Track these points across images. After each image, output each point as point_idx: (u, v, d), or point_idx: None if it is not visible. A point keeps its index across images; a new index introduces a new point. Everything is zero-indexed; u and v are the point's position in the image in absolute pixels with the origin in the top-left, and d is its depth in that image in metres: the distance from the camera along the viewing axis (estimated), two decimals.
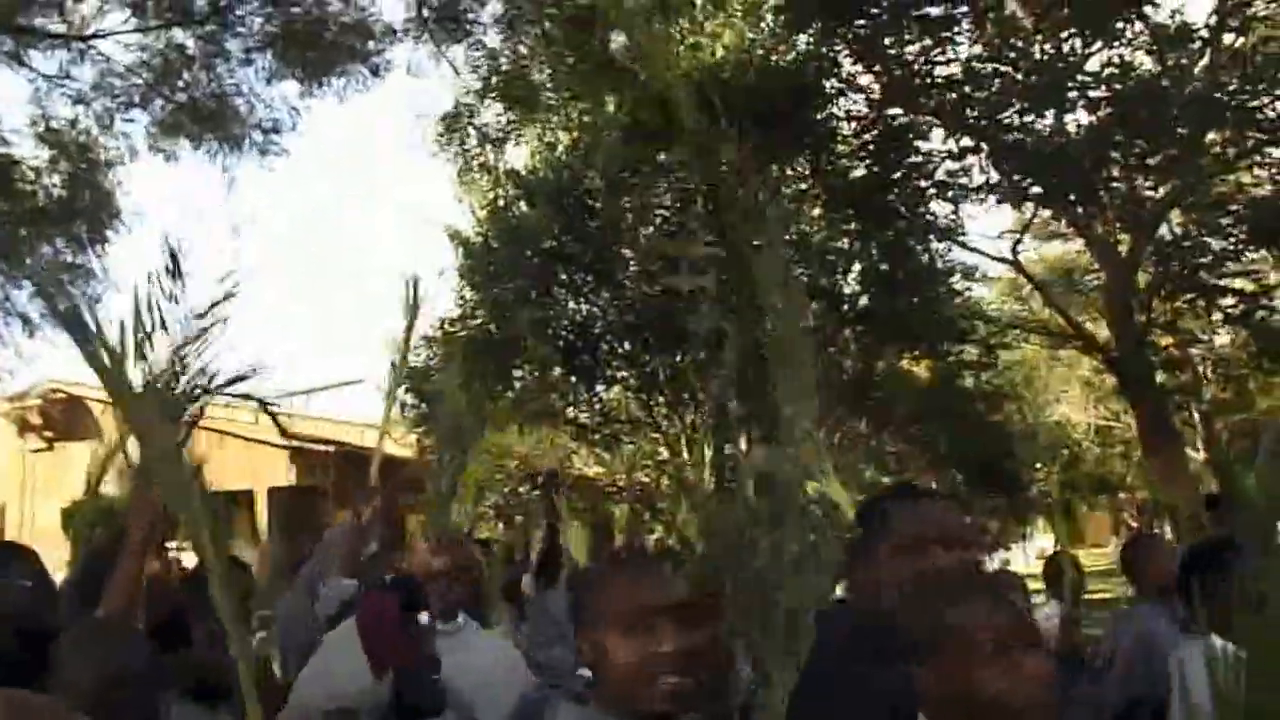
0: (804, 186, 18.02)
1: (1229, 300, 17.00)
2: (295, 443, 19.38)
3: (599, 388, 19.69)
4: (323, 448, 20.95)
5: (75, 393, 22.63)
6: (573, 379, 18.72)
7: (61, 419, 22.56)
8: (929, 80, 16.78)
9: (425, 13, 15.72)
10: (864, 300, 18.93)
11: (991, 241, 21.69)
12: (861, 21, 16.35)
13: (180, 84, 16.06)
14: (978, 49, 16.74)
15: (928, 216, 18.19)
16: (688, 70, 16.94)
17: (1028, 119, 16.39)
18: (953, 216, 18.32)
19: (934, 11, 16.24)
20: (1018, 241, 18.92)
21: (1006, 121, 16.42)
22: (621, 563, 2.68)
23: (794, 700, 2.86)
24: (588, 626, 2.37)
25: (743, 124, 16.17)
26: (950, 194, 17.56)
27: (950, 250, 19.06)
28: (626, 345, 18.79)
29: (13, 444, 22.54)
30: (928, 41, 16.50)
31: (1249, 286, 17.07)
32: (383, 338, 19.47)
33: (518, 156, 19.01)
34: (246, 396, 3.58)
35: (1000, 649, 2.11)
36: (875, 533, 2.85)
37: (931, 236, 18.63)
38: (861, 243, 18.78)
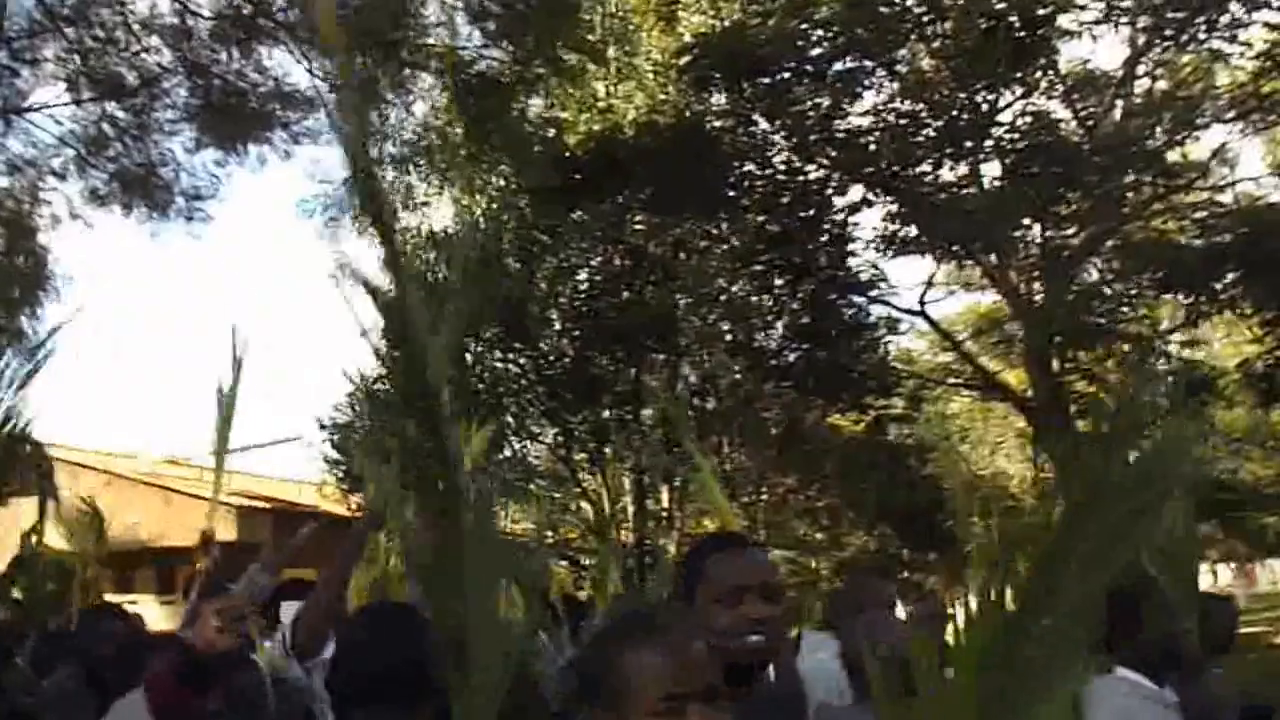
0: (719, 244, 18.01)
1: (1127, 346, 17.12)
2: (235, 500, 19.15)
3: (518, 443, 19.62)
4: (261, 504, 20.79)
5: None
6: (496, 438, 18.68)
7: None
8: (838, 133, 16.91)
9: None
10: (787, 355, 18.93)
11: (913, 292, 21.79)
12: (767, 79, 16.48)
13: (110, 154, 16.13)
14: (887, 100, 16.93)
15: (845, 270, 18.26)
16: (600, 132, 17.05)
17: (938, 170, 16.56)
18: (873, 269, 18.43)
19: (842, 65, 16.42)
20: (924, 293, 18.99)
21: (916, 173, 16.58)
22: (651, 631, 2.23)
23: None
24: (611, 700, 2.17)
25: (656, 184, 16.31)
26: (860, 247, 17.72)
27: (870, 304, 19.02)
28: (543, 402, 18.81)
29: None
30: (836, 96, 16.64)
31: (1145, 331, 17.25)
32: (312, 393, 19.30)
33: (438, 219, 19.08)
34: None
35: (672, 703, 2.06)
36: (695, 580, 2.85)
37: (850, 291, 18.63)
38: (781, 298, 18.80)
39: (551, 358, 18.61)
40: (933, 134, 16.39)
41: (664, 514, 19.26)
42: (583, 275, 18.86)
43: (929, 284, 18.98)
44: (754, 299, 19.14)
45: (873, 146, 16.76)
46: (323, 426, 18.88)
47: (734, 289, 19.03)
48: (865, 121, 17.01)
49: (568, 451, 19.62)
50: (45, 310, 16.61)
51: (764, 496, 22.35)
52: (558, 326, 18.49)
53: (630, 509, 18.74)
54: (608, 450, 18.41)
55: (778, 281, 18.46)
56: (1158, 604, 3.89)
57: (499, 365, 18.80)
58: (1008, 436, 30.97)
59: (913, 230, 17.14)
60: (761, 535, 22.75)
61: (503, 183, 17.79)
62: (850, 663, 3.80)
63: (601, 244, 18.55)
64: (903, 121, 16.70)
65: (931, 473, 22.25)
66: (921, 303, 19.03)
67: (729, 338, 19.41)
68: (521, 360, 18.83)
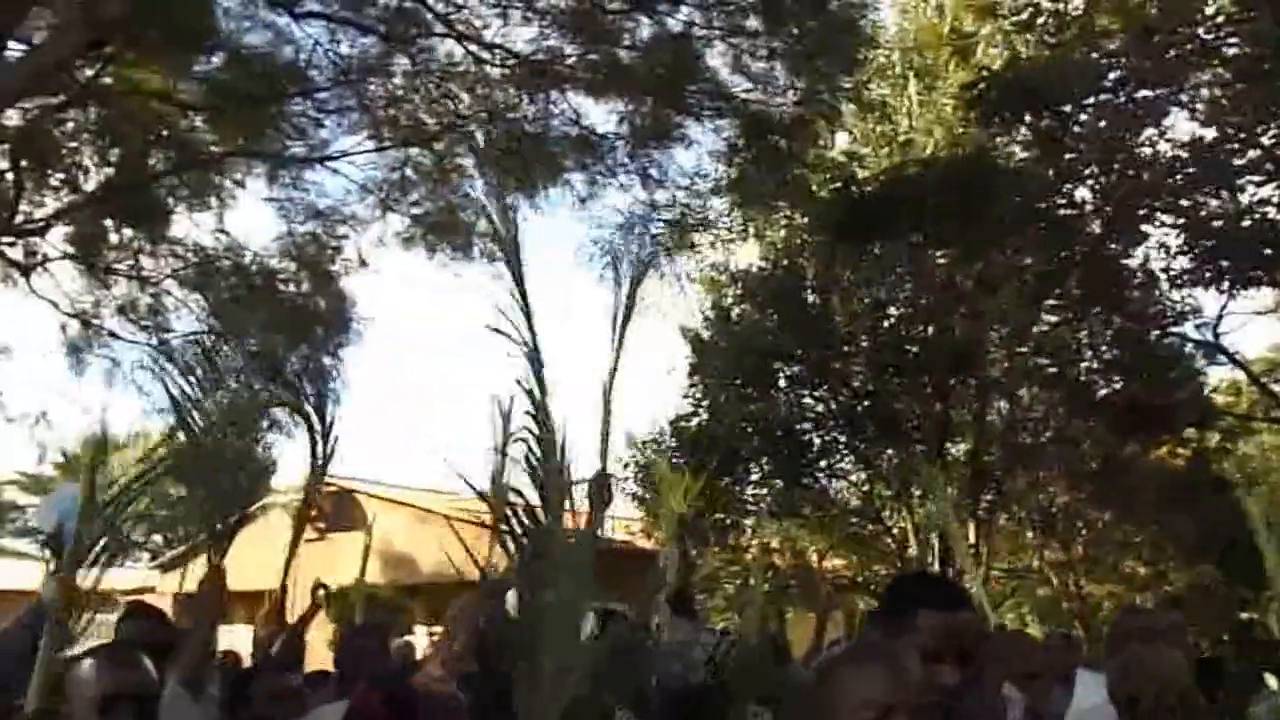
0: (1023, 275, 17.77)
1: None
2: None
3: (823, 481, 19.78)
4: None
5: (345, 485, 23.90)
6: (794, 473, 18.94)
7: (332, 511, 23.71)
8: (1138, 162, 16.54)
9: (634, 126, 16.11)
10: (1100, 388, 18.58)
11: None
12: (1063, 109, 16.31)
13: (413, 199, 17.18)
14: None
15: (1157, 302, 17.82)
16: (900, 166, 17.11)
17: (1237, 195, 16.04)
18: (1187, 300, 17.91)
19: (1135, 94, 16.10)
20: (1218, 322, 18.18)
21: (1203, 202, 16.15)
22: (869, 650, 2.54)
23: None
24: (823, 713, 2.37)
25: (955, 218, 16.29)
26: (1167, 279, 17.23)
27: (1176, 337, 18.48)
28: (844, 438, 18.94)
29: (288, 535, 23.79)
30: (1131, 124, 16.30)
31: None
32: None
33: (743, 257, 19.41)
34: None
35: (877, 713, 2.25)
36: (902, 624, 2.88)
37: (1162, 323, 18.17)
38: (1092, 330, 18.49)
39: (855, 394, 18.76)
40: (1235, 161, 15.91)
41: (971, 549, 19.12)
42: (889, 310, 18.87)
43: (1220, 313, 18.07)
44: (1063, 332, 18.83)
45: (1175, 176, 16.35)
46: (626, 465, 19.32)
47: (1043, 321, 18.74)
48: (1165, 149, 16.59)
49: (871, 488, 19.72)
50: (346, 351, 17.87)
51: (1082, 531, 21.90)
52: (861, 362, 18.56)
53: (937, 545, 18.69)
54: (914, 487, 18.37)
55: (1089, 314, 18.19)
56: None
57: (805, 401, 19.10)
58: None
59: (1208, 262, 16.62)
60: (1079, 570, 22.32)
61: (801, 219, 18.01)
62: (1115, 698, 3.79)
63: (905, 278, 18.56)
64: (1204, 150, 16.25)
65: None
66: (1215, 334, 18.25)
67: (1039, 371, 19.13)
68: (824, 395, 19.04)
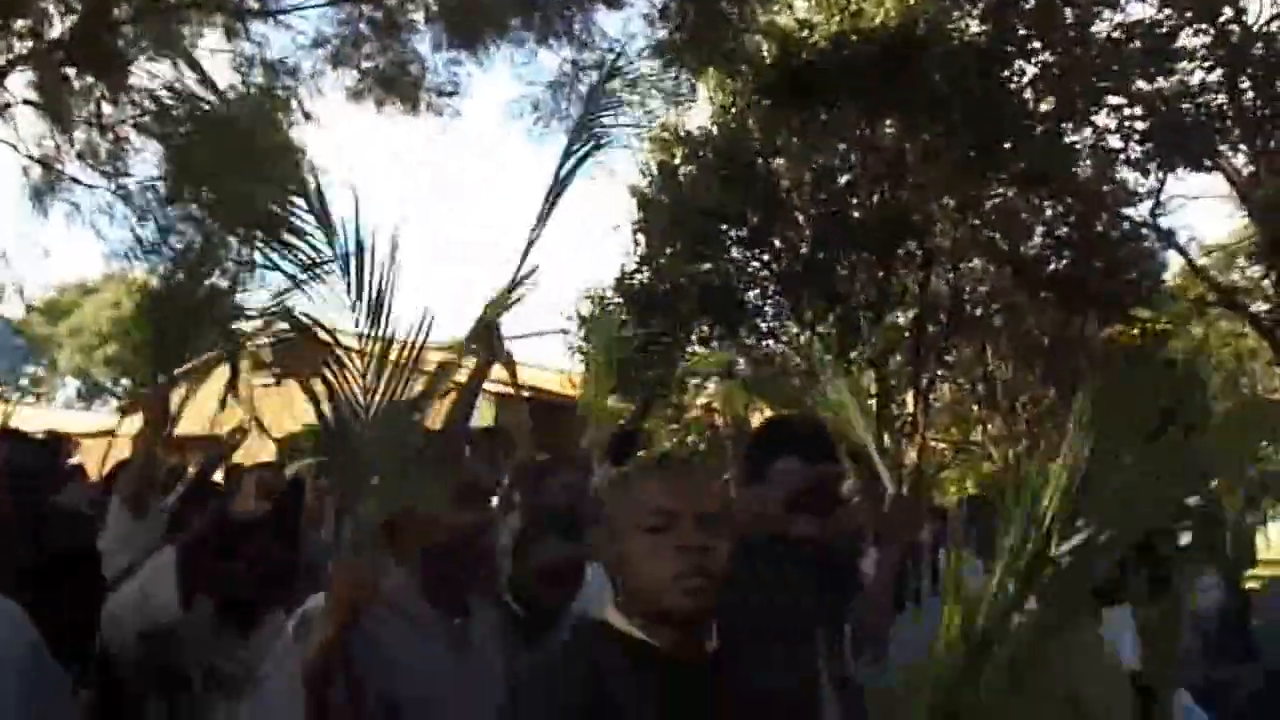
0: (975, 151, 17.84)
1: None
2: (493, 387, 20.20)
3: (766, 343, 20.04)
4: (520, 393, 21.83)
5: (308, 331, 24.30)
6: (739, 331, 19.20)
7: (290, 358, 24.05)
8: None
9: None
10: (1050, 264, 18.74)
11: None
12: None
13: (365, 52, 17.45)
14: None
15: (1111, 182, 17.95)
16: (843, 33, 17.17)
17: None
18: (1138, 183, 18.05)
19: None
20: (1154, 206, 18.23)
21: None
22: (651, 467, 2.50)
23: None
24: (612, 528, 2.35)
25: (903, 88, 16.39)
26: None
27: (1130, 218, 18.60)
28: (784, 301, 19.16)
29: (243, 380, 24.06)
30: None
31: None
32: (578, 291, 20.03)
33: (693, 119, 19.53)
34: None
35: (661, 518, 2.27)
36: (761, 469, 3.03)
37: (1115, 203, 18.31)
38: (1042, 206, 18.63)
39: (795, 258, 18.92)
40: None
41: (909, 420, 19.40)
42: (834, 177, 19.03)
43: (1157, 194, 18.11)
44: (1012, 205, 18.94)
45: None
46: (582, 319, 19.45)
47: (992, 195, 18.84)
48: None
49: (808, 352, 19.94)
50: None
51: (1026, 407, 22.14)
52: (804, 226, 18.72)
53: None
54: (852, 352, 18.56)
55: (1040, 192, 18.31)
56: None
57: (746, 264, 19.37)
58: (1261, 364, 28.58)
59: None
60: (1022, 446, 22.58)
61: (747, 83, 18.08)
62: None
63: (850, 146, 18.70)
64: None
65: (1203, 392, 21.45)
66: (1153, 214, 18.32)
67: (986, 244, 19.28)
68: (765, 258, 19.30)
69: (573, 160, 3.63)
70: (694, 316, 17.96)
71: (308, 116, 18.26)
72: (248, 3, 16.95)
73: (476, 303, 3.76)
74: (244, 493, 4.41)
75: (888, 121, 18.01)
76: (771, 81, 17.12)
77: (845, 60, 16.70)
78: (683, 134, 19.12)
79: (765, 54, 17.53)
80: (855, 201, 18.63)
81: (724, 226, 18.41)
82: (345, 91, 17.89)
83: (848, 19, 17.86)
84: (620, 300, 18.80)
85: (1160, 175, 17.39)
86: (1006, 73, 17.30)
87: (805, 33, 17.65)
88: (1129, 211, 18.64)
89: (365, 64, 17.66)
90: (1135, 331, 19.57)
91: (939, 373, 20.71)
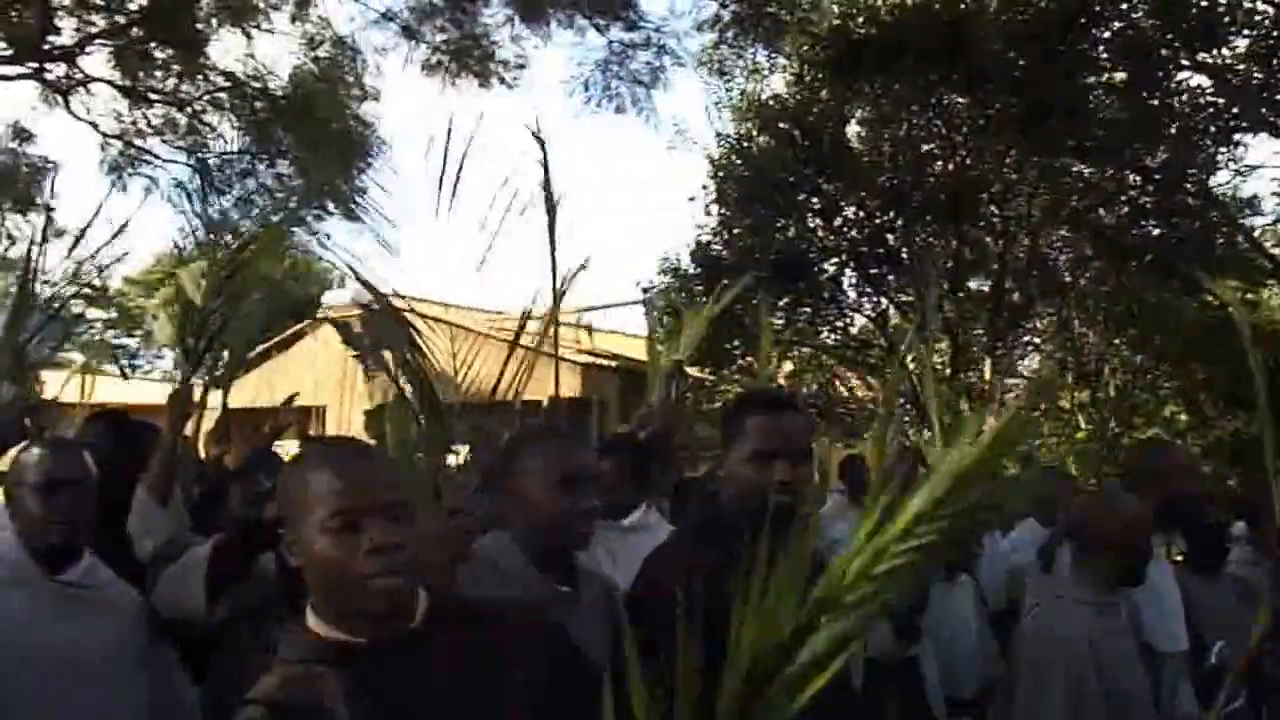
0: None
1: None
2: (583, 358, 20.27)
3: (843, 312, 19.95)
4: (607, 363, 21.85)
5: (395, 304, 24.55)
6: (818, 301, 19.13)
7: (373, 329, 24.27)
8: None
9: None
10: (1133, 232, 18.41)
11: None
12: None
13: (437, 24, 17.59)
14: None
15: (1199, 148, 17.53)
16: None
17: None
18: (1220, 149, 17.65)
19: None
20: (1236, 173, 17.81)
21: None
22: (327, 453, 2.32)
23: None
24: (293, 521, 2.24)
25: (993, 60, 16.12)
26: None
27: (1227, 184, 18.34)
28: (853, 271, 19.05)
29: (336, 350, 24.43)
30: None
31: None
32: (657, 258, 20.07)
33: (771, 87, 19.44)
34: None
35: (344, 518, 2.17)
36: (734, 433, 3.18)
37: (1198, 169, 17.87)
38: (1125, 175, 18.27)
39: (865, 227, 18.85)
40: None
41: (984, 386, 19.18)
42: (907, 146, 18.74)
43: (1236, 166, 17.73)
44: (1094, 174, 18.60)
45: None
46: (647, 290, 19.42)
47: (1070, 162, 18.51)
48: None
49: (885, 323, 19.84)
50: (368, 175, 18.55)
51: (1115, 375, 21.76)
52: (876, 196, 18.56)
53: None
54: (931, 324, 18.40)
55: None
56: None
57: (817, 233, 19.20)
58: None
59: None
60: (1109, 414, 22.23)
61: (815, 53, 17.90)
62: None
63: (922, 114, 18.48)
64: None
65: None
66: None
67: (1067, 212, 18.96)
68: (837, 227, 19.15)
69: None
70: (768, 287, 17.84)
71: (366, 95, 18.43)
72: None
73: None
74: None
75: (955, 93, 17.74)
76: (838, 51, 16.91)
77: (904, 28, 16.46)
78: (756, 103, 19.00)
79: (828, 23, 17.33)
80: (928, 170, 18.35)
81: (799, 197, 18.26)
82: (419, 65, 18.00)
83: None
84: (695, 270, 18.79)
85: (1234, 144, 17.05)
86: (1078, 42, 16.88)
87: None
88: (1213, 181, 18.20)
89: (438, 37, 17.75)
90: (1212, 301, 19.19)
91: (1020, 340, 20.46)
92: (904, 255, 18.56)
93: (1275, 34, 15.90)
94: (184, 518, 4.71)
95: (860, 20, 16.93)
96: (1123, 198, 18.72)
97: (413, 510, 2.27)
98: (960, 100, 17.82)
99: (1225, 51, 16.29)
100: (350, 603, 2.16)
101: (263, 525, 3.62)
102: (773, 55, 18.73)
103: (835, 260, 19.22)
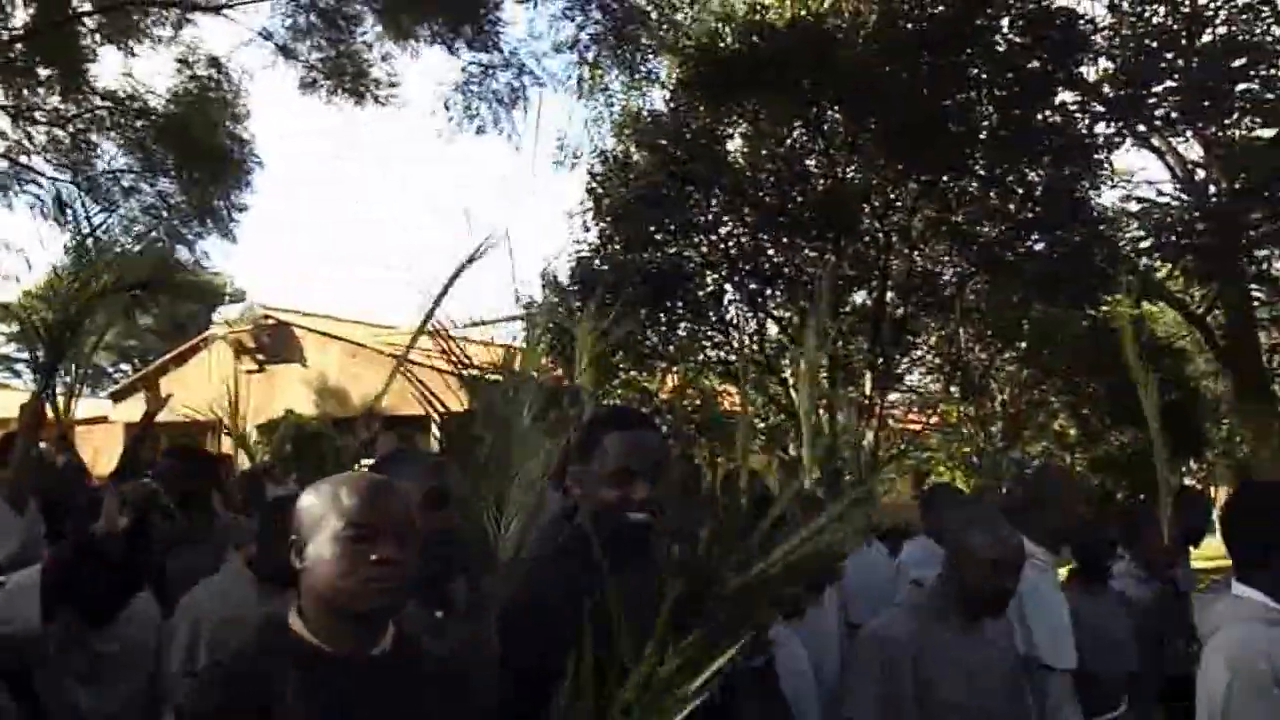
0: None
1: None
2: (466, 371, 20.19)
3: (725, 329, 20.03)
4: (493, 376, 21.88)
5: (284, 319, 24.63)
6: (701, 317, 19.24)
7: (271, 344, 24.35)
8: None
9: None
10: (1018, 248, 18.53)
11: None
12: None
13: (310, 44, 17.74)
14: None
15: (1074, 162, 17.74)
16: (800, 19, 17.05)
17: None
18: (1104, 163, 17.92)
19: None
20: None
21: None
22: (353, 477, 2.62)
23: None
24: (308, 533, 2.51)
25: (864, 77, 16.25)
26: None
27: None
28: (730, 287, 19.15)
29: (229, 367, 24.42)
30: None
31: None
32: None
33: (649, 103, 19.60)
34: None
35: (359, 530, 2.47)
36: (590, 450, 3.15)
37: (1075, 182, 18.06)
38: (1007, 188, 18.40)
39: (741, 244, 18.95)
40: None
41: (865, 401, 19.28)
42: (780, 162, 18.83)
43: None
44: (970, 187, 18.74)
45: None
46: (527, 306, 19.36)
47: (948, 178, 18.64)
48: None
49: (762, 339, 19.90)
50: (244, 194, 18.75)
51: (1002, 390, 21.89)
52: (752, 212, 18.64)
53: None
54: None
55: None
56: None
57: (693, 249, 19.20)
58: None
59: None
60: (995, 428, 22.34)
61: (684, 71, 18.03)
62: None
63: (801, 131, 18.60)
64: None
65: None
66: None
67: (947, 227, 19.08)
68: (713, 243, 19.19)
69: None
70: (647, 303, 17.92)
71: (239, 115, 18.54)
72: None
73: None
74: (107, 509, 4.69)
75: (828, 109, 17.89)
76: (709, 70, 17.04)
77: (774, 45, 16.61)
78: (633, 120, 19.15)
79: (696, 41, 17.49)
80: (807, 186, 18.48)
81: (676, 213, 18.36)
82: (296, 83, 18.14)
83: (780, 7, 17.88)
84: (574, 285, 18.85)
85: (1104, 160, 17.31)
86: (950, 58, 17.07)
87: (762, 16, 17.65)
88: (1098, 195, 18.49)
89: (313, 55, 17.87)
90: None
91: (902, 355, 20.60)
92: (784, 271, 18.68)
93: (1138, 56, 16.18)
94: (39, 525, 4.92)
95: (729, 38, 17.09)
96: (1003, 212, 18.85)
97: (417, 540, 2.54)
98: (837, 116, 17.96)
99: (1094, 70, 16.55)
100: (345, 605, 2.43)
101: (94, 542, 3.84)
102: (635, 74, 18.87)
103: (715, 276, 19.26)
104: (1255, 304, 18.43)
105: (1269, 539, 3.50)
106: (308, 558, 2.47)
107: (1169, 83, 16.43)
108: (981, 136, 17.16)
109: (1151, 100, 16.49)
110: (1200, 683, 3.42)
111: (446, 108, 18.34)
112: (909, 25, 16.85)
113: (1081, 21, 16.73)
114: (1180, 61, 16.50)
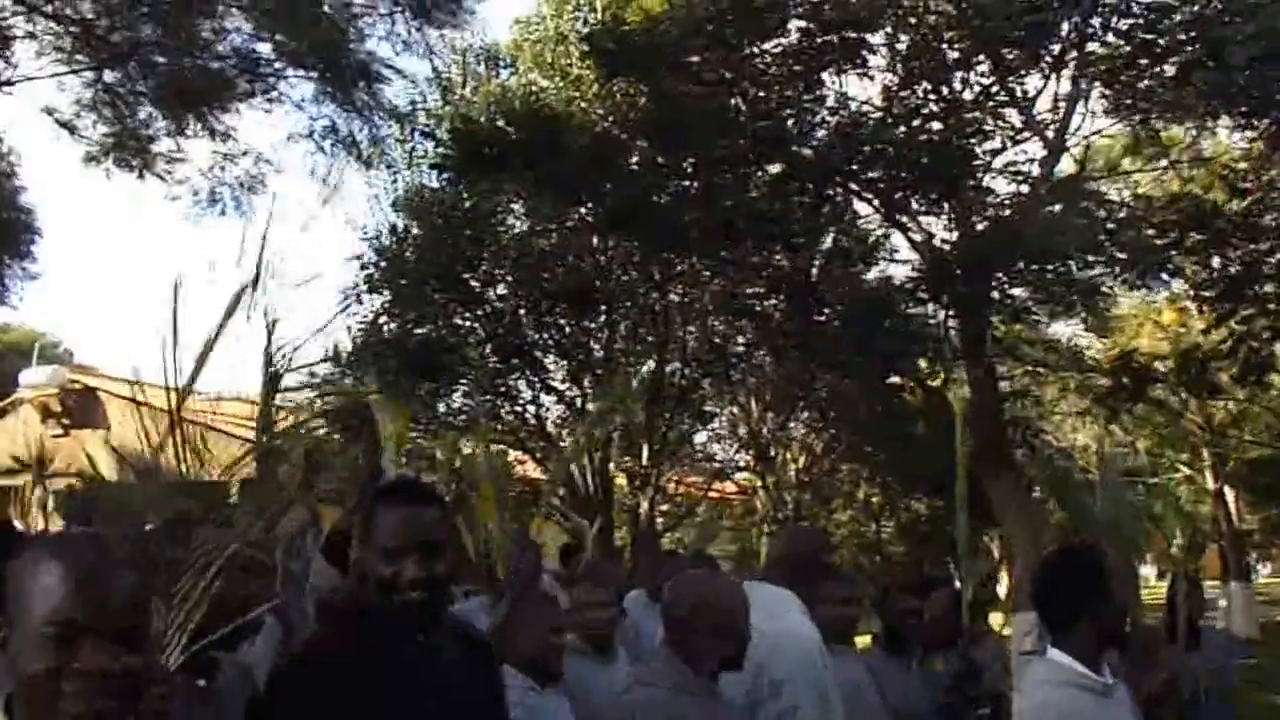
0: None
1: None
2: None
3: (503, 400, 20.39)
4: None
5: (90, 384, 24.81)
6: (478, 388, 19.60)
7: (77, 408, 24.52)
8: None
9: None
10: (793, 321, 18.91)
11: None
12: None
13: (96, 119, 18.07)
14: None
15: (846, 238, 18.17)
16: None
17: None
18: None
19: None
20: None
21: None
22: (65, 547, 2.07)
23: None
24: (13, 619, 1.97)
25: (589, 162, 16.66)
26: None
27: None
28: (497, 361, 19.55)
29: (35, 430, 24.44)
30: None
31: None
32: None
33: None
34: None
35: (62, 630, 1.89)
36: (366, 524, 3.06)
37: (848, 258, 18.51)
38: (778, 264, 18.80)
39: (501, 319, 19.42)
40: None
41: (642, 471, 19.68)
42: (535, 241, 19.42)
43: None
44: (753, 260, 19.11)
45: None
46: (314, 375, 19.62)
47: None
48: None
49: (538, 409, 20.30)
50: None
51: (798, 458, 22.36)
52: (509, 289, 19.31)
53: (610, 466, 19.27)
54: (589, 407, 18.86)
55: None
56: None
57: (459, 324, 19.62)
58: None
59: None
60: (793, 494, 22.75)
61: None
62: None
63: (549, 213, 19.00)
64: None
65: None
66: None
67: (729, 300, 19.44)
68: (477, 318, 19.65)
69: None
70: (421, 375, 18.27)
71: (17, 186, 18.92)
72: None
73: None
74: None
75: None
76: (460, 153, 17.41)
77: (515, 131, 16.97)
78: (398, 196, 19.63)
79: (453, 127, 17.89)
80: (571, 262, 18.95)
81: (442, 288, 18.72)
82: (81, 159, 18.46)
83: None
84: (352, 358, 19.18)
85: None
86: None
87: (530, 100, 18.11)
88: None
89: (98, 130, 18.21)
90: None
91: (688, 423, 21.01)
92: (553, 344, 19.12)
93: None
94: None
95: (477, 124, 17.51)
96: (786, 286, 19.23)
97: (157, 638, 2.09)
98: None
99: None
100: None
101: None
102: (371, 164, 19.18)
103: (487, 348, 19.63)
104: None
105: (1075, 605, 3.72)
106: (12, 645, 1.95)
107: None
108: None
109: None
110: None
111: (194, 192, 18.72)
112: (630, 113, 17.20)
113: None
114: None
